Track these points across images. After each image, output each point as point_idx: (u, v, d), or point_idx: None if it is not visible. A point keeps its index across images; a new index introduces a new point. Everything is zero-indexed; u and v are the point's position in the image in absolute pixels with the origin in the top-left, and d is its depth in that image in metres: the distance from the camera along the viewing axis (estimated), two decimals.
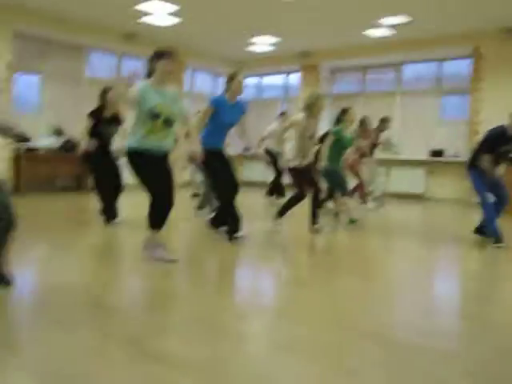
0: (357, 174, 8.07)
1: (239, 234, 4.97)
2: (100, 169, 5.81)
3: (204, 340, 2.37)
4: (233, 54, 12.92)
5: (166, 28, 10.22)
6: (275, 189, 8.83)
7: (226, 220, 5.06)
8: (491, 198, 5.28)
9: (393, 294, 3.51)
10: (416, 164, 10.98)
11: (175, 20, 9.68)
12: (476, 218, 5.81)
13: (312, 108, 5.49)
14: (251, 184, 12.45)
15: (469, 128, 10.13)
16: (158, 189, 3.94)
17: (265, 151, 8.47)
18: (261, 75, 14.10)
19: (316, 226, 5.73)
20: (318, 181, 5.82)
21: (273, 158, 8.50)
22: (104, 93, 5.69)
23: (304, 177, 5.61)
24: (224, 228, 5.14)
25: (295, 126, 5.58)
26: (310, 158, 5.71)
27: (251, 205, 8.48)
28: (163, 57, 3.90)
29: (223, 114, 4.85)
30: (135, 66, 11.04)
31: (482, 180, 5.26)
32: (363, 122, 8.01)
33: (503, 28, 9.48)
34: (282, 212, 5.75)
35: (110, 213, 5.81)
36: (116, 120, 5.84)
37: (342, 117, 6.37)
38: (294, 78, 13.21)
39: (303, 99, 5.66)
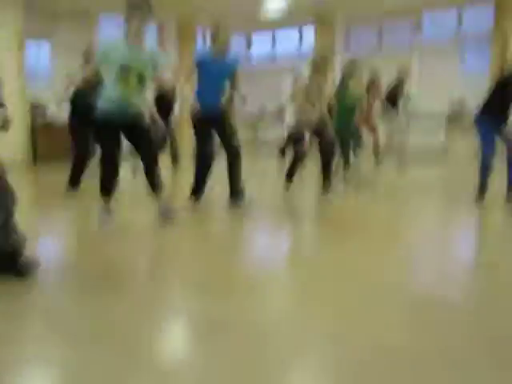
0: (372, 129, 7.83)
1: (198, 197, 4.98)
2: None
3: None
4: (246, 11, 12.56)
5: None
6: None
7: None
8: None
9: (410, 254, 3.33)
10: (436, 116, 10.73)
11: None
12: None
13: (317, 68, 5.31)
14: (266, 143, 12.33)
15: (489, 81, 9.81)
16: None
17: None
18: (274, 30, 13.71)
19: (326, 196, 5.46)
20: (329, 142, 5.43)
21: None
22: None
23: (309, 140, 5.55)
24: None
25: (299, 92, 5.47)
26: (315, 120, 5.41)
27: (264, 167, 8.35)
28: (129, 13, 3.72)
29: (208, 70, 4.59)
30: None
31: (492, 131, 5.03)
32: (372, 78, 7.73)
33: None
34: (288, 176, 5.58)
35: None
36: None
37: (350, 70, 6.26)
38: (308, 34, 12.83)
39: (310, 59, 5.50)
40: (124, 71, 3.73)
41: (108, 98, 3.83)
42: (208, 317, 2.30)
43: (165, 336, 2.16)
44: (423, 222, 4.67)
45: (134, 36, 3.73)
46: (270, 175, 7.88)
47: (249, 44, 14.53)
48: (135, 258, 3.41)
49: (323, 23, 11.91)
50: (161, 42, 12.11)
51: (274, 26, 13.30)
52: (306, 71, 5.52)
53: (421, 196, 5.95)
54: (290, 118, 5.60)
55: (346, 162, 6.57)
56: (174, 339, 2.19)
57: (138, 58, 3.78)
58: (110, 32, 10.78)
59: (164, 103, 7.32)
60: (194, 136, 4.87)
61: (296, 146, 5.54)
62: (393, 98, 8.26)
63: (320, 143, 5.43)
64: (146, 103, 4.17)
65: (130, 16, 3.69)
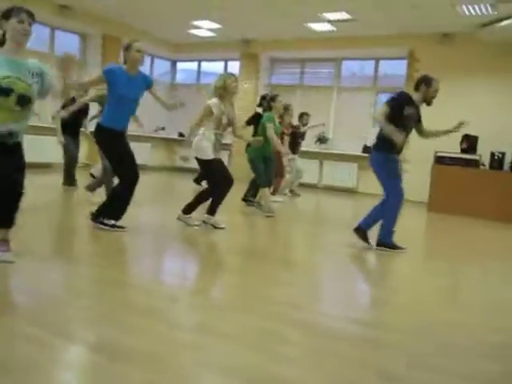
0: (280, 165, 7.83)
1: (117, 222, 4.49)
2: None
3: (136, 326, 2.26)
4: (173, 37, 12.62)
5: (103, 2, 9.77)
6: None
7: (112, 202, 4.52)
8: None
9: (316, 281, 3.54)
10: (349, 159, 11.21)
11: None
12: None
13: (223, 90, 4.99)
14: (185, 170, 12.26)
15: None
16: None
17: None
18: (200, 60, 13.86)
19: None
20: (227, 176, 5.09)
21: None
22: None
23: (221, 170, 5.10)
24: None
25: (208, 111, 4.95)
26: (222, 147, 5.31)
27: (181, 191, 8.31)
28: (11, 13, 3.09)
29: (120, 87, 4.27)
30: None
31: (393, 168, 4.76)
32: (286, 109, 7.44)
33: (438, 33, 9.83)
34: (187, 210, 5.11)
35: None
36: None
37: (271, 103, 6.41)
38: (234, 67, 13.07)
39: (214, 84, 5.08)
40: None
41: None
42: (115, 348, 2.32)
43: None
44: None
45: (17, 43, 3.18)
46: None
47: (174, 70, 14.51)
48: None
49: (249, 58, 12.22)
50: (83, 52, 11.81)
51: (200, 56, 13.44)
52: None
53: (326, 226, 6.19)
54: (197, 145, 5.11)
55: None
56: None
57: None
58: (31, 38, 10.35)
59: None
60: (109, 154, 4.60)
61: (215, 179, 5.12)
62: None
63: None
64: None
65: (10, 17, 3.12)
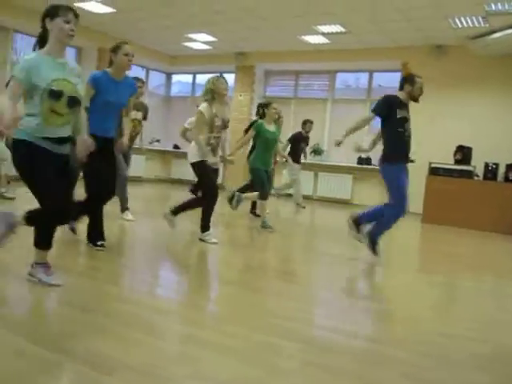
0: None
1: (102, 242, 4.23)
2: None
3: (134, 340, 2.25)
4: (168, 49, 12.68)
5: (98, 15, 9.82)
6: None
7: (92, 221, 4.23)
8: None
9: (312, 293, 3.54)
10: (344, 170, 11.25)
11: (108, 9, 9.35)
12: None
13: (212, 93, 4.94)
14: (179, 182, 12.26)
15: None
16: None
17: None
18: (195, 73, 13.93)
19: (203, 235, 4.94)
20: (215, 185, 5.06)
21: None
22: None
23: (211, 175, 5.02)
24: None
25: (200, 116, 4.88)
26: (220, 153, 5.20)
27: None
28: (58, 12, 2.93)
29: (106, 93, 4.01)
30: None
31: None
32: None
33: (431, 45, 9.93)
34: (176, 211, 5.12)
35: None
36: None
37: (264, 110, 6.34)
38: (229, 79, 13.12)
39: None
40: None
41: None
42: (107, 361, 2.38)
43: None
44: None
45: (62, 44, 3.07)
46: None
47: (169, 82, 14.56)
48: None
49: (243, 71, 12.29)
50: (79, 64, 11.82)
51: (195, 69, 13.49)
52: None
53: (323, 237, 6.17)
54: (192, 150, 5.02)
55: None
56: None
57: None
58: (26, 49, 10.43)
59: None
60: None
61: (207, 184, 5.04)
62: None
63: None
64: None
65: (57, 16, 2.94)
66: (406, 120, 4.69)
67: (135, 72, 13.15)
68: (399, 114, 4.63)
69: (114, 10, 9.40)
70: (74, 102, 3.01)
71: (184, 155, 6.61)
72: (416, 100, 4.79)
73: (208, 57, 12.57)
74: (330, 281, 4.18)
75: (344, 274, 4.48)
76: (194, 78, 14.03)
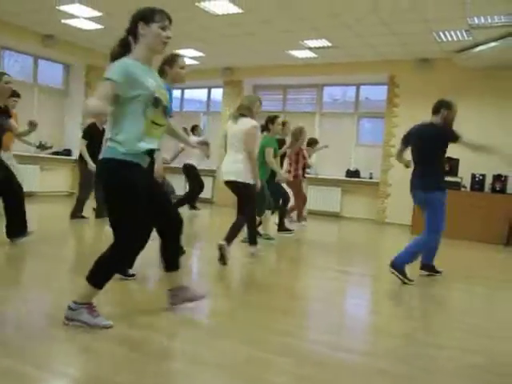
0: (298, 192, 7.76)
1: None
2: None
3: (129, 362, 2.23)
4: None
5: (87, 32, 9.84)
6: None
7: None
8: None
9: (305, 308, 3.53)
10: (332, 183, 11.29)
11: (97, 26, 9.39)
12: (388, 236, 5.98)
13: (252, 110, 4.98)
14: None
15: (383, 151, 10.59)
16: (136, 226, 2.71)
17: (184, 166, 8.56)
18: (183, 89, 13.97)
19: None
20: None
21: (192, 171, 8.58)
22: None
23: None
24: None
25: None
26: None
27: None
28: (154, 17, 2.73)
29: None
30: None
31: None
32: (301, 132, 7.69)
33: (417, 59, 10.06)
34: (229, 239, 4.89)
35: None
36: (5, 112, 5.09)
37: (269, 125, 6.25)
38: (217, 94, 13.20)
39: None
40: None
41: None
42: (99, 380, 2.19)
43: None
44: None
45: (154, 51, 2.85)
46: None
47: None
48: None
49: (232, 85, 12.35)
50: (66, 81, 11.86)
51: (183, 84, 13.49)
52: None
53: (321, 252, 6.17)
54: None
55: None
56: None
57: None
58: (14, 67, 10.41)
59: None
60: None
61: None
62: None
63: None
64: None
65: (152, 21, 2.75)
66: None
67: None
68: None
69: (102, 27, 9.44)
70: (167, 112, 2.85)
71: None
72: (451, 125, 4.79)
73: (196, 72, 12.59)
74: (321, 294, 4.18)
75: (334, 287, 4.48)
76: (183, 94, 14.06)
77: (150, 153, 2.76)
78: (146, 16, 2.72)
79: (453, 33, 8.32)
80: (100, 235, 6.24)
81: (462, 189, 8.70)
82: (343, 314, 3.64)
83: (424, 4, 7.11)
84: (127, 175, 2.62)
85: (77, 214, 7.20)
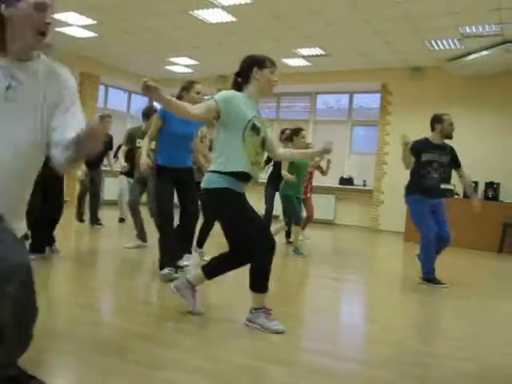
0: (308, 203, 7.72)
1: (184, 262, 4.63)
2: None
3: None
4: (150, 73, 12.73)
5: (80, 40, 9.86)
6: None
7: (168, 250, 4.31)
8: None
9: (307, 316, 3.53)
10: (326, 191, 11.31)
11: (90, 34, 9.40)
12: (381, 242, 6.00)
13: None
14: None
15: (376, 159, 10.64)
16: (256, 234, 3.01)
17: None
18: (179, 97, 13.96)
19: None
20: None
21: None
22: None
23: None
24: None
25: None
26: None
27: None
28: (266, 64, 3.11)
29: (173, 124, 4.22)
30: None
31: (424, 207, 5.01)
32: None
33: (409, 67, 10.14)
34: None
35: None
36: None
37: (293, 137, 6.14)
38: None
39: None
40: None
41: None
42: None
43: None
44: None
45: (264, 93, 3.26)
46: None
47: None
48: None
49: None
50: None
51: (177, 92, 13.52)
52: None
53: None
54: None
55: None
56: None
57: None
58: None
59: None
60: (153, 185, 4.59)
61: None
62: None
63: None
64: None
65: (264, 66, 3.13)
66: (433, 162, 4.99)
67: (116, 95, 13.20)
68: (425, 157, 4.94)
69: (96, 35, 9.46)
70: (264, 145, 3.12)
71: None
72: (450, 137, 4.99)
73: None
74: (315, 302, 4.18)
75: (328, 294, 4.48)
76: None
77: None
78: (259, 62, 3.11)
79: (445, 41, 8.40)
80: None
81: (456, 196, 8.74)
82: (338, 322, 3.63)
83: (416, 13, 7.18)
84: (235, 203, 3.06)
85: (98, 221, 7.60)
